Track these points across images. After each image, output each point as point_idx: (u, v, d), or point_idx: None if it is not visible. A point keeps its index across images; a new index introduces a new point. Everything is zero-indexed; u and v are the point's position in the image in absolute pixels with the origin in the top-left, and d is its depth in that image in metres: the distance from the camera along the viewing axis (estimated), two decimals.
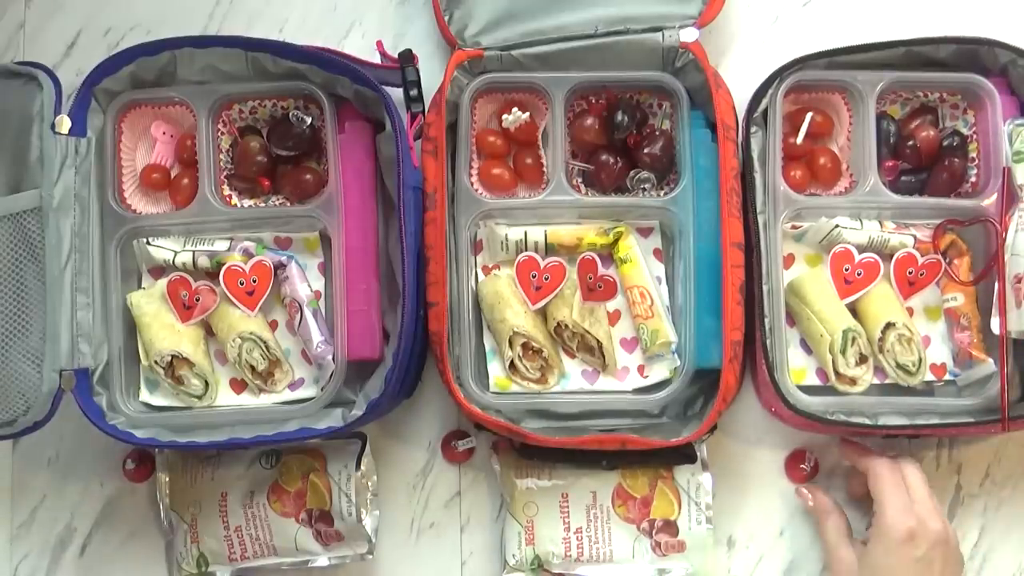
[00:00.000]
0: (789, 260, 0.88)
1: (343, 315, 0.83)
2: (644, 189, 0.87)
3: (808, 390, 0.83)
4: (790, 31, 0.94)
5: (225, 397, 0.88)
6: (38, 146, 0.82)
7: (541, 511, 0.87)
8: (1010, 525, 0.89)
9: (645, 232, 0.89)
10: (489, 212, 0.86)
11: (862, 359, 0.84)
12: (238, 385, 0.89)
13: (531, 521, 0.87)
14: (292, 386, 0.88)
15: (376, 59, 0.90)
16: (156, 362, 0.85)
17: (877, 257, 0.85)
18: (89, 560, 0.94)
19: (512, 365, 0.86)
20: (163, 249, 0.87)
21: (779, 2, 0.95)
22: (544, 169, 0.89)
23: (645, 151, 0.87)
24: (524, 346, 0.85)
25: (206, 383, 0.87)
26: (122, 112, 0.87)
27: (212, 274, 0.87)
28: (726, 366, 0.80)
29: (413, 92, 0.88)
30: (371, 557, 0.88)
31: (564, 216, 0.87)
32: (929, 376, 0.86)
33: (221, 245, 0.87)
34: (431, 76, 0.89)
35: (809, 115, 0.87)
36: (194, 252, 0.87)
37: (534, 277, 0.86)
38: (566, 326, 0.86)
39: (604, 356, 0.86)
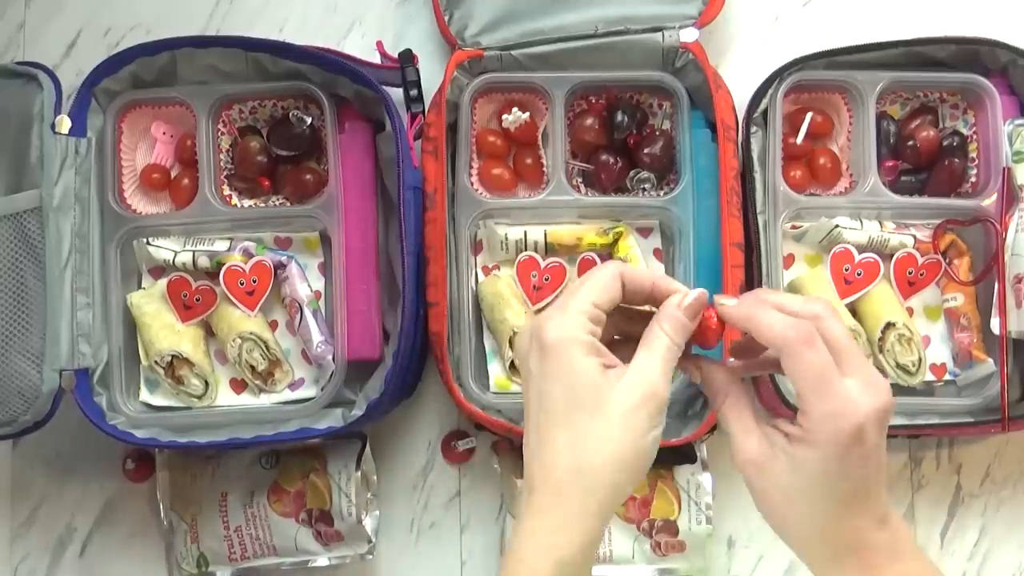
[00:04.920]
0: (789, 260, 0.88)
1: (343, 315, 0.83)
2: (644, 189, 0.87)
3: None
4: (790, 31, 0.94)
5: (225, 397, 0.88)
6: (38, 146, 0.82)
7: None
8: (1010, 525, 0.89)
9: (645, 232, 0.89)
10: (489, 212, 0.86)
11: None
12: (238, 385, 0.89)
13: None
14: (292, 386, 0.88)
15: (376, 59, 0.91)
16: (156, 362, 0.85)
17: (877, 257, 0.85)
18: (89, 560, 0.94)
19: (512, 365, 0.86)
20: (163, 249, 0.87)
21: (779, 2, 0.95)
22: (544, 169, 0.89)
23: (645, 151, 0.87)
24: None
25: (206, 383, 0.87)
26: (122, 112, 0.87)
27: (212, 274, 0.87)
28: None
29: (413, 92, 0.88)
30: (371, 557, 0.88)
31: (564, 216, 0.87)
32: (929, 376, 0.86)
33: (221, 245, 0.87)
34: (431, 76, 0.90)
35: (809, 115, 0.87)
36: (194, 252, 0.86)
37: (534, 277, 0.86)
38: None
39: None
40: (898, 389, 0.85)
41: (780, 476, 0.52)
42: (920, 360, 0.84)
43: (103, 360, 0.85)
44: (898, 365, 0.84)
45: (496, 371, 0.87)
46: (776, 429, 0.53)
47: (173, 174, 0.91)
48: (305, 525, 0.87)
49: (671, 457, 0.86)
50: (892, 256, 0.85)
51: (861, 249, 0.85)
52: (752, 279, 0.83)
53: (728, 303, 0.53)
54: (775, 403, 0.81)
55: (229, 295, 0.86)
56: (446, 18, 0.89)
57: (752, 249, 0.83)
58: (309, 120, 0.87)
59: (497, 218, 0.87)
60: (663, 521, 0.86)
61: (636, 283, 0.54)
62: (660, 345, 0.52)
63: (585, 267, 0.86)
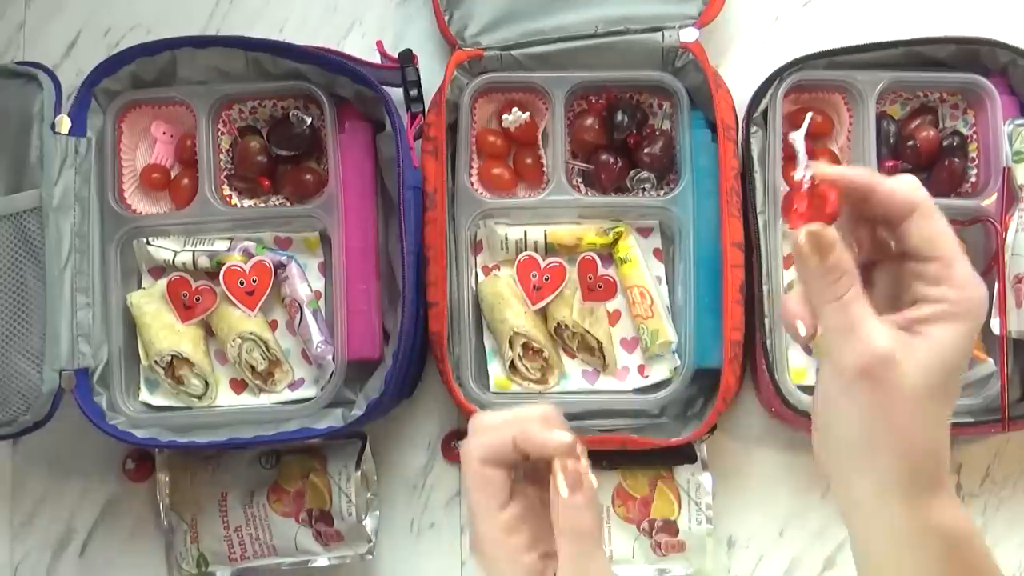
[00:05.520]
0: (789, 260, 0.87)
1: (343, 315, 0.83)
2: (644, 189, 0.87)
3: (808, 390, 0.83)
4: (790, 31, 0.94)
5: (225, 397, 0.88)
6: (38, 146, 0.82)
7: None
8: (1010, 525, 0.89)
9: (645, 232, 0.89)
10: (489, 212, 0.86)
11: None
12: (238, 385, 0.89)
13: None
14: (292, 386, 0.88)
15: (376, 59, 0.90)
16: (156, 362, 0.85)
17: None
18: (89, 560, 0.94)
19: (512, 365, 0.86)
20: (163, 249, 0.87)
21: (779, 2, 0.95)
22: (544, 169, 0.89)
23: (645, 151, 0.87)
24: (524, 346, 0.85)
25: (206, 383, 0.87)
26: (122, 112, 0.87)
27: (212, 274, 0.87)
28: (726, 366, 0.80)
29: (413, 92, 0.88)
30: (371, 557, 0.88)
31: (564, 216, 0.87)
32: None
33: (221, 245, 0.87)
34: (431, 76, 0.89)
35: (809, 115, 0.86)
36: (194, 252, 0.86)
37: (534, 277, 0.86)
38: (566, 326, 0.86)
39: (604, 356, 0.86)
40: None
41: (913, 372, 0.42)
42: None
43: (103, 360, 0.85)
44: None
45: (496, 371, 0.87)
46: (902, 317, 0.44)
47: (173, 174, 0.91)
48: (305, 525, 0.87)
49: (671, 457, 0.86)
50: None
51: None
52: (752, 279, 0.83)
53: (832, 170, 0.46)
54: (775, 403, 0.81)
55: (229, 295, 0.86)
56: (446, 18, 0.89)
57: (752, 249, 0.83)
58: (309, 120, 0.87)
59: (497, 218, 0.87)
60: (663, 521, 0.86)
61: (499, 453, 0.49)
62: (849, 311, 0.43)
63: (585, 267, 0.86)
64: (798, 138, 0.47)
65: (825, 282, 0.44)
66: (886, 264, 0.47)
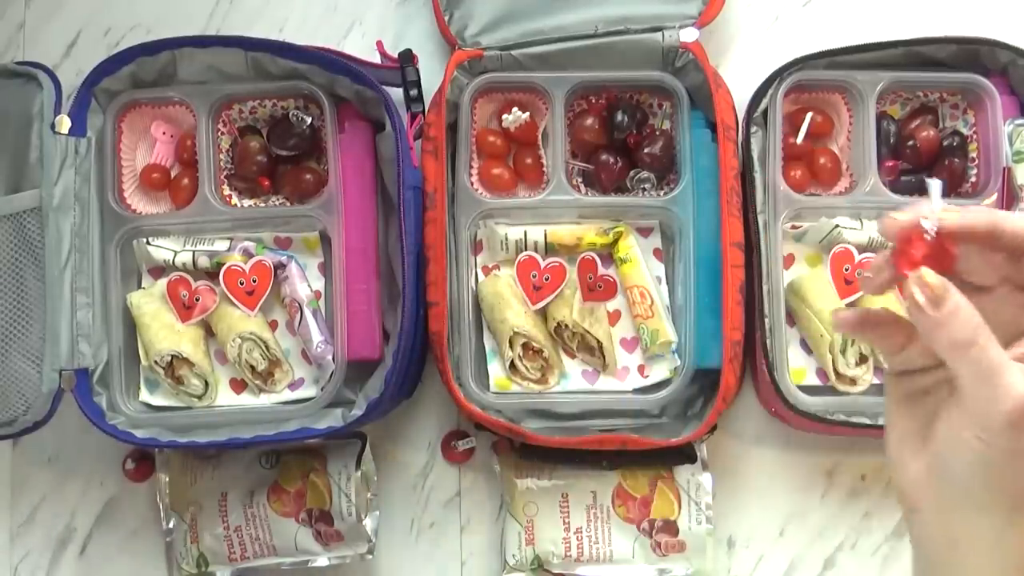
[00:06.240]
0: (789, 260, 0.88)
1: (343, 315, 0.83)
2: (644, 189, 0.87)
3: (808, 390, 0.83)
4: (790, 31, 0.94)
5: (225, 397, 0.88)
6: (38, 146, 0.82)
7: (541, 511, 0.87)
8: None
9: (645, 232, 0.89)
10: (489, 212, 0.86)
11: (862, 359, 0.84)
12: (238, 385, 0.89)
13: (531, 521, 0.87)
14: (292, 386, 0.88)
15: (376, 59, 0.90)
16: (156, 362, 0.85)
17: None
18: (89, 560, 0.94)
19: (512, 365, 0.86)
20: (163, 249, 0.87)
21: (779, 2, 0.95)
22: (544, 169, 0.89)
23: (645, 151, 0.87)
24: (524, 346, 0.85)
25: (206, 383, 0.87)
26: (122, 112, 0.87)
27: (212, 274, 0.87)
28: (726, 366, 0.80)
29: (413, 92, 0.88)
30: (371, 557, 0.88)
31: (564, 216, 0.87)
32: None
33: (221, 245, 0.87)
34: (431, 76, 0.89)
35: (809, 115, 0.87)
36: (194, 252, 0.87)
37: (534, 277, 0.86)
38: (566, 326, 0.86)
39: (604, 356, 0.86)
40: None
41: None
42: None
43: (103, 360, 0.85)
44: None
45: (496, 371, 0.87)
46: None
47: (173, 174, 0.91)
48: (305, 525, 0.87)
49: (671, 457, 0.86)
50: None
51: (861, 249, 0.85)
52: (752, 279, 0.83)
53: (955, 220, 0.43)
54: (775, 403, 0.81)
55: (229, 295, 0.86)
56: (446, 18, 0.89)
57: (752, 249, 0.83)
58: (309, 120, 0.87)
59: (497, 218, 0.87)
60: (663, 521, 0.86)
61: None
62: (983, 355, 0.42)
63: (585, 267, 0.86)
64: (934, 185, 0.44)
65: (947, 331, 0.42)
66: (996, 290, 0.46)
